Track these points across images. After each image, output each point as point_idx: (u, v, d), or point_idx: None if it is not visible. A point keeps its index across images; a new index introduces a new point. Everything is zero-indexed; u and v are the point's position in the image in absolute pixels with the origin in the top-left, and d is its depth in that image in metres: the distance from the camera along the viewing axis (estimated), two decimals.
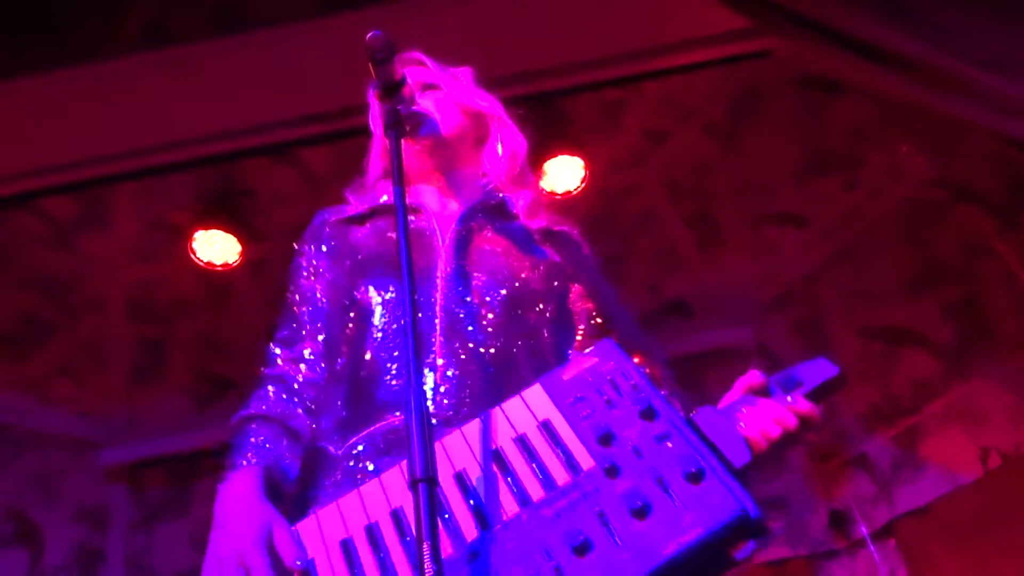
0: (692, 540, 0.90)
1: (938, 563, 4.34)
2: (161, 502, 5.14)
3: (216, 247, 4.28)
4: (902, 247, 4.46)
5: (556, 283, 1.53)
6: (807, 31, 2.89)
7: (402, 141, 1.32)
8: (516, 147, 1.73)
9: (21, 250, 4.37)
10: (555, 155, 4.06)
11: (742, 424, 1.07)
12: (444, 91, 1.68)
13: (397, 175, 1.21)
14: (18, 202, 3.80)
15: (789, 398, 1.10)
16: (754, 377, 1.15)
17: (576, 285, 1.55)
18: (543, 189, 1.80)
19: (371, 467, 1.27)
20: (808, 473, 5.07)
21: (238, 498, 1.22)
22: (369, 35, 1.26)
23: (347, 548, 1.08)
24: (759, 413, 1.09)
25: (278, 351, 1.51)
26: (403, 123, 1.33)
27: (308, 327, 1.52)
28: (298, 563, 1.09)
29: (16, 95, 3.23)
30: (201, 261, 4.28)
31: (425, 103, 1.60)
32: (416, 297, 1.37)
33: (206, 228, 4.21)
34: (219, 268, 4.34)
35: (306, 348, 1.50)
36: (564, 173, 4.17)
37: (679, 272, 4.98)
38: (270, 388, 1.45)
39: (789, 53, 3.45)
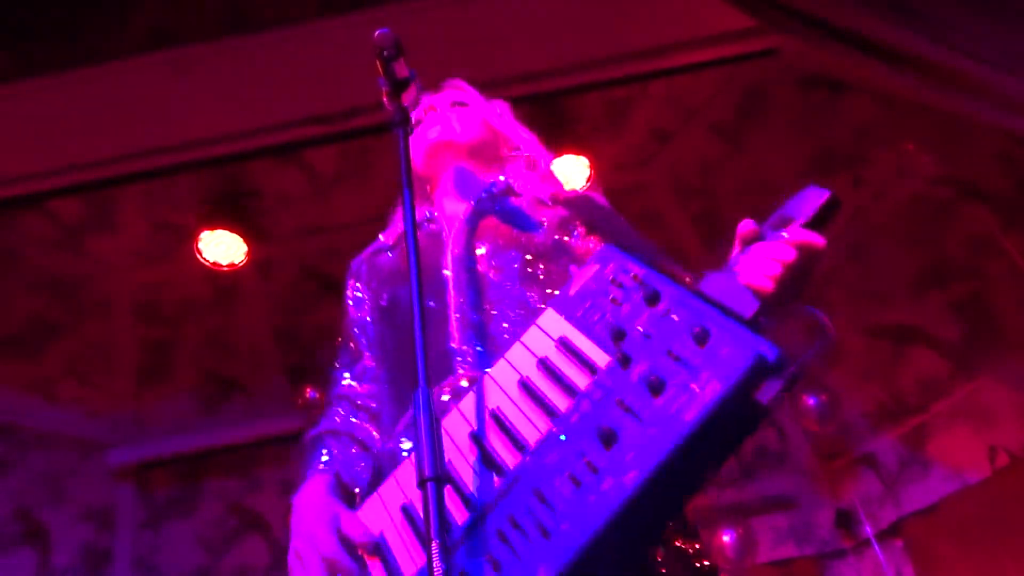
0: (712, 398, 0.87)
1: (945, 563, 4.33)
2: (168, 502, 5.16)
3: (222, 247, 4.29)
4: (908, 245, 4.45)
5: (565, 236, 1.57)
6: (812, 29, 2.89)
7: (414, 145, 1.36)
8: (548, 162, 1.85)
9: (29, 252, 4.39)
10: (561, 154, 4.07)
11: (741, 274, 1.04)
12: (471, 108, 1.81)
13: (405, 172, 1.22)
14: (26, 204, 3.82)
15: (785, 234, 1.07)
16: (745, 226, 1.11)
17: (594, 236, 1.58)
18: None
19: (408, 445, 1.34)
20: (815, 472, 5.06)
21: (308, 501, 1.29)
22: (377, 33, 1.27)
23: (408, 512, 1.12)
24: (755, 257, 1.06)
25: (344, 373, 1.62)
26: (410, 120, 1.34)
27: (364, 346, 1.63)
28: (366, 538, 1.14)
29: (23, 97, 3.24)
30: (207, 261, 4.29)
31: (448, 114, 1.76)
32: (432, 288, 1.46)
33: (212, 229, 4.22)
34: (225, 268, 4.35)
35: (364, 364, 1.61)
36: (570, 172, 4.18)
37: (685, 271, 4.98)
38: (337, 408, 1.56)
39: (794, 52, 3.45)
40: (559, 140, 4.03)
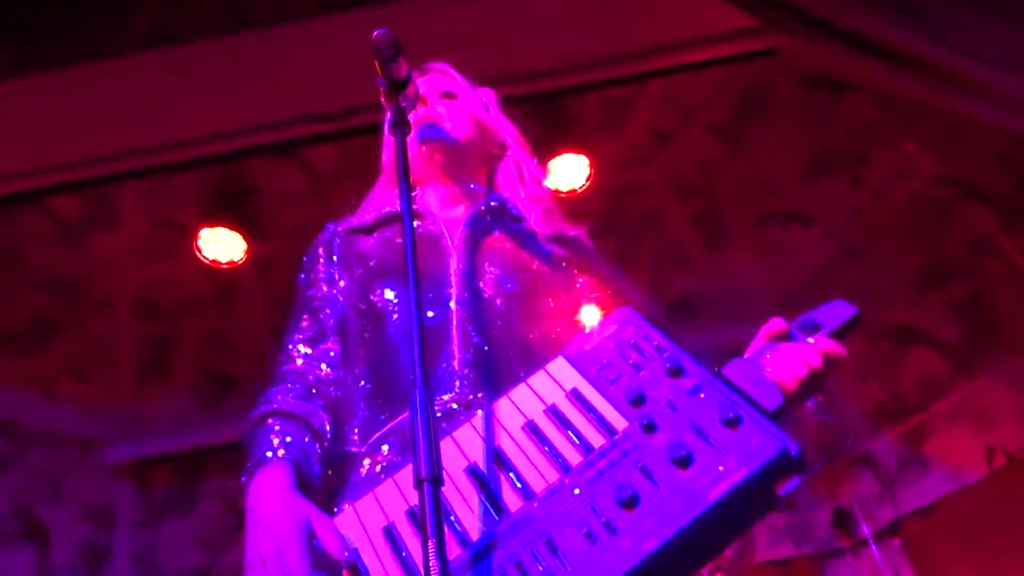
0: (737, 481, 0.91)
1: (942, 562, 4.34)
2: (167, 500, 5.16)
3: (222, 245, 4.29)
4: (908, 245, 4.45)
5: (566, 276, 1.59)
6: (813, 29, 2.89)
7: (408, 143, 1.34)
8: (535, 172, 1.80)
9: (29, 250, 4.39)
10: (560, 153, 4.07)
11: (768, 369, 1.10)
12: (460, 101, 1.76)
13: (403, 173, 1.21)
14: (26, 202, 3.82)
15: (811, 339, 1.14)
16: (775, 324, 1.17)
17: (588, 277, 1.61)
18: (556, 203, 1.84)
19: (398, 460, 1.29)
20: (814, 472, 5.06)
21: (272, 492, 1.18)
22: (375, 33, 1.26)
23: (391, 533, 1.09)
24: (784, 356, 1.12)
25: (303, 349, 1.51)
26: (408, 122, 1.33)
27: (331, 328, 1.53)
28: (346, 553, 1.09)
29: (23, 94, 3.24)
30: (207, 259, 4.29)
31: (438, 108, 1.70)
32: (430, 295, 1.42)
33: (212, 226, 4.22)
34: (224, 266, 4.35)
35: (329, 348, 1.51)
36: (569, 171, 4.17)
37: (684, 271, 4.98)
38: (290, 385, 1.43)
39: (795, 51, 3.45)
40: (559, 140, 4.03)
